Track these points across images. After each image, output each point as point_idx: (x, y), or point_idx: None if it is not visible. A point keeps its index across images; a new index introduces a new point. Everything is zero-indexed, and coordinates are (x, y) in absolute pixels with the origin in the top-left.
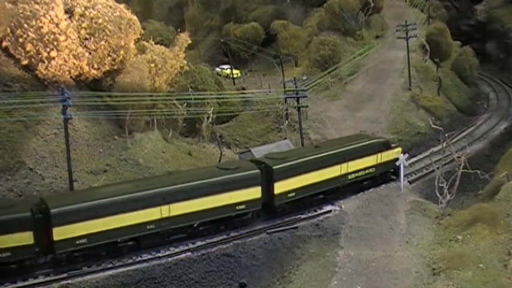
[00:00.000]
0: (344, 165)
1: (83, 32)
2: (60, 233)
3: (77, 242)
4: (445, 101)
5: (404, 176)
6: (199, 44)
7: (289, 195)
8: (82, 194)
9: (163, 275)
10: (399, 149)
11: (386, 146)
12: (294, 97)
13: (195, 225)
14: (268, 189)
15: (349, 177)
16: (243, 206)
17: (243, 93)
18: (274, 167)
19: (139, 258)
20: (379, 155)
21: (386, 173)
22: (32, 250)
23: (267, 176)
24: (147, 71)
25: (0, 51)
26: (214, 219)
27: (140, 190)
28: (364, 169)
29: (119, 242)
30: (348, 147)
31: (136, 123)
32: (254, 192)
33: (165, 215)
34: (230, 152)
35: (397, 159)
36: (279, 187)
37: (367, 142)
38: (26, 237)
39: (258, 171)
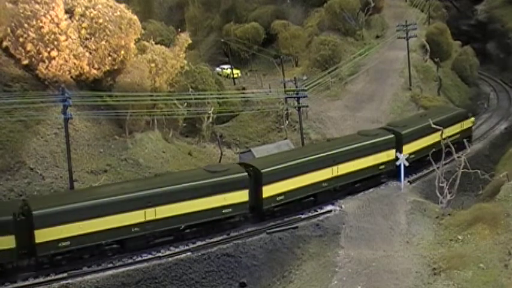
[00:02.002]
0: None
1: (83, 31)
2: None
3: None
4: (445, 101)
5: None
6: (200, 44)
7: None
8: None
9: (163, 275)
10: (473, 119)
11: (465, 115)
12: (294, 97)
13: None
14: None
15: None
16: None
17: (243, 93)
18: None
19: (140, 258)
20: (462, 122)
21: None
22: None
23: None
24: (147, 71)
25: (1, 51)
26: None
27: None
28: (455, 134)
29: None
30: (448, 115)
31: (137, 123)
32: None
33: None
34: (230, 152)
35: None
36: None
37: (456, 112)
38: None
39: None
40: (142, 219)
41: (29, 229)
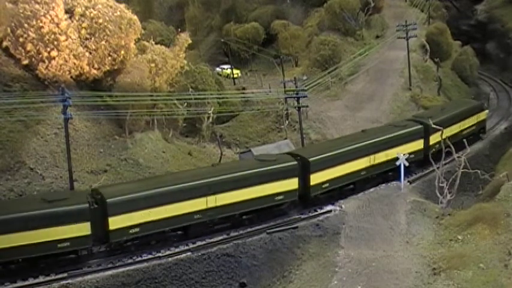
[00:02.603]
0: (463, 122)
1: (83, 31)
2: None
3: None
4: (445, 101)
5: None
6: (200, 44)
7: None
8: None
9: (163, 275)
10: (487, 111)
11: (481, 108)
12: (294, 97)
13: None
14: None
15: (464, 132)
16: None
17: (243, 93)
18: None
19: (140, 258)
20: (478, 114)
21: (479, 131)
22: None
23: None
24: (147, 71)
25: (1, 51)
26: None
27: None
28: (472, 126)
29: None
30: (466, 107)
31: (137, 123)
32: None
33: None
34: (230, 152)
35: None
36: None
37: (473, 104)
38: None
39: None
40: (204, 207)
41: (103, 216)
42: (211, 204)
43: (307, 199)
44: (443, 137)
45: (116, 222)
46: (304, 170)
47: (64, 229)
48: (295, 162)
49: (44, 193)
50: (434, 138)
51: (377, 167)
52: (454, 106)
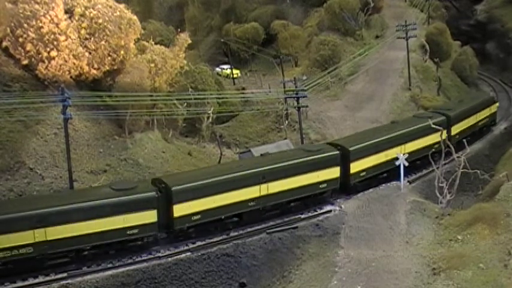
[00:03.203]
0: (478, 114)
1: (83, 32)
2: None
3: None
4: (445, 101)
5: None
6: (199, 44)
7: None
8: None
9: (163, 275)
10: (497, 104)
11: (493, 101)
12: (294, 97)
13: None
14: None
15: (480, 123)
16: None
17: (243, 93)
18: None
19: (139, 258)
20: (490, 107)
21: (490, 123)
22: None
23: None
24: (147, 71)
25: (0, 51)
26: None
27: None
28: (485, 118)
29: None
30: (480, 100)
31: (136, 123)
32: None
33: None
34: (230, 152)
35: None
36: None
37: (486, 98)
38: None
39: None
40: (257, 194)
41: (168, 204)
42: (264, 192)
43: (347, 187)
44: (467, 125)
45: (179, 210)
46: (344, 159)
47: (133, 216)
48: (337, 152)
49: (111, 183)
50: (455, 129)
51: (409, 156)
52: (470, 99)
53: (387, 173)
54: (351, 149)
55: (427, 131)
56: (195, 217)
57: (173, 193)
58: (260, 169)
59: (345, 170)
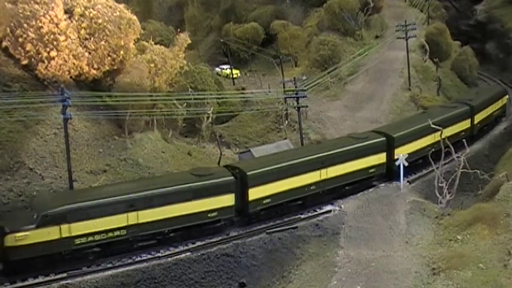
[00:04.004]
0: (493, 104)
1: (82, 32)
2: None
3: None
4: (444, 101)
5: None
6: (199, 44)
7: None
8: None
9: (162, 275)
10: (507, 96)
11: (505, 93)
12: (294, 97)
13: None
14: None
15: (494, 114)
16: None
17: (243, 93)
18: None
19: (139, 258)
20: (502, 99)
21: (501, 114)
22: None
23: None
24: (146, 71)
25: (0, 51)
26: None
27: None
28: (498, 109)
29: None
30: (494, 93)
31: (136, 123)
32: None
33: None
34: (230, 152)
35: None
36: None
37: (498, 90)
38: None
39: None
40: (318, 179)
41: (243, 188)
42: (323, 177)
43: (391, 172)
44: (486, 115)
45: (253, 193)
46: (389, 145)
47: (213, 200)
48: (384, 139)
49: (192, 169)
50: (477, 118)
51: (439, 144)
52: (485, 90)
53: (423, 159)
54: (395, 135)
55: (458, 119)
56: (266, 200)
57: (248, 178)
58: (321, 155)
59: (390, 156)
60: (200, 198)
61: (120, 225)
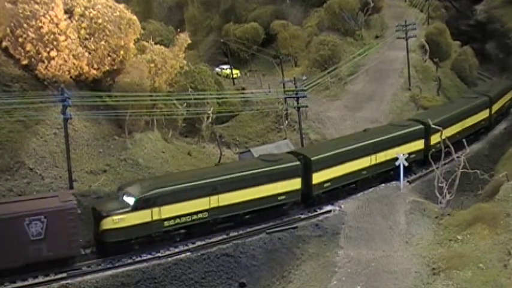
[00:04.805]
0: (505, 96)
1: (82, 32)
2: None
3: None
4: (444, 101)
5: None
6: (199, 44)
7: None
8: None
9: (163, 275)
10: None
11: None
12: (294, 97)
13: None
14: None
15: (506, 105)
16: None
17: (243, 93)
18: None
19: (139, 258)
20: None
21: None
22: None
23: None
24: (146, 71)
25: (0, 51)
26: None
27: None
28: (508, 101)
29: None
30: (505, 86)
31: (136, 123)
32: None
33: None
34: (230, 152)
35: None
36: None
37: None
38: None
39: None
40: (369, 164)
41: (308, 173)
42: (373, 162)
43: (427, 158)
44: (500, 105)
45: (317, 177)
46: (427, 132)
47: (283, 184)
48: (421, 126)
49: (261, 156)
50: (494, 108)
51: (470, 128)
52: (498, 84)
53: (470, 136)
54: (431, 123)
55: (480, 108)
56: (326, 184)
57: (312, 162)
58: (371, 141)
59: (428, 142)
60: (272, 182)
61: (203, 208)
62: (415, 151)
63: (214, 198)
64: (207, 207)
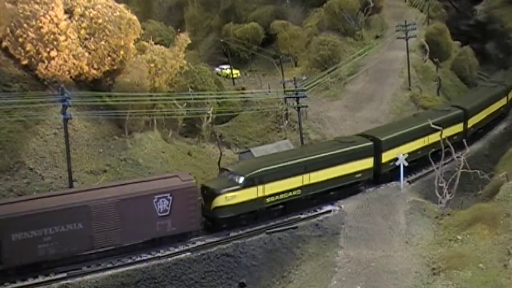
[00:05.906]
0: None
1: (82, 32)
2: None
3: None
4: (444, 101)
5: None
6: (199, 44)
7: None
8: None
9: (162, 275)
10: None
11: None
12: (294, 97)
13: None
14: None
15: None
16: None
17: (243, 93)
18: None
19: (139, 258)
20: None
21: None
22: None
23: None
24: (146, 71)
25: (0, 51)
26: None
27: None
28: (501, 107)
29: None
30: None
31: (136, 123)
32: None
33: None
34: (230, 152)
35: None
36: None
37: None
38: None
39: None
40: (423, 145)
41: (378, 152)
42: (426, 143)
43: (466, 138)
44: None
45: (385, 157)
46: (465, 117)
47: (359, 163)
48: (461, 111)
49: (335, 138)
50: (510, 95)
51: (478, 125)
52: (503, 78)
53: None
54: (468, 107)
55: (499, 97)
56: (391, 163)
57: (382, 143)
58: (422, 125)
59: (465, 126)
60: (350, 161)
61: (297, 185)
62: (455, 134)
63: (306, 176)
64: (300, 184)
